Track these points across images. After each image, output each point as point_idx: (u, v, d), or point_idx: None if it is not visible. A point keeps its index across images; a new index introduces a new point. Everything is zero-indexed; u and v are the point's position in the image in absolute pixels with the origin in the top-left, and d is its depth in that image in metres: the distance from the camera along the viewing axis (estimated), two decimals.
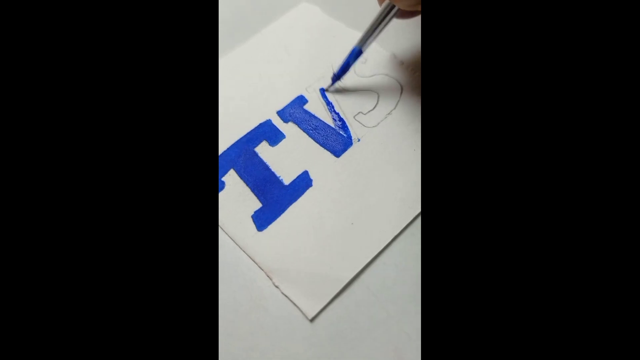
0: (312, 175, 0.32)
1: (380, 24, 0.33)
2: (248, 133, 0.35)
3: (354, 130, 0.34)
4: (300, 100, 0.36)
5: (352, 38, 0.39)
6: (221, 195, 0.32)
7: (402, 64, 0.37)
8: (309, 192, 0.32)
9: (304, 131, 0.34)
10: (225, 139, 0.34)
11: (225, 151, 0.34)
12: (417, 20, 0.37)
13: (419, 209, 0.30)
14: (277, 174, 0.33)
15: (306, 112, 0.35)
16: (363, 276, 0.29)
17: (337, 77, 0.36)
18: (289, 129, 0.35)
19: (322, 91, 0.36)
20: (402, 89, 0.36)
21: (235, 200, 0.32)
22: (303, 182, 0.32)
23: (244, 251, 0.30)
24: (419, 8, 0.31)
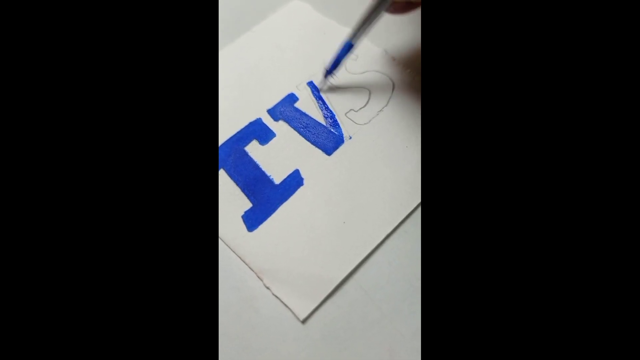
0: (303, 174, 0.32)
1: (371, 15, 0.32)
2: (238, 132, 0.34)
3: (346, 127, 0.34)
4: (291, 98, 0.36)
5: (344, 35, 0.38)
6: None
7: (394, 60, 0.37)
8: (300, 191, 0.31)
9: (294, 129, 0.34)
10: None
11: None
12: (409, 16, 0.37)
13: (411, 207, 0.30)
14: (268, 173, 0.32)
15: (297, 110, 0.35)
16: (356, 275, 0.28)
17: (329, 72, 0.35)
18: (280, 128, 0.34)
19: (313, 87, 0.36)
20: (393, 85, 0.36)
21: (225, 200, 0.31)
22: (294, 181, 0.32)
23: (234, 252, 0.29)
24: None
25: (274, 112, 0.35)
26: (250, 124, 0.35)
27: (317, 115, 0.35)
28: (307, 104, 0.35)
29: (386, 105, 0.35)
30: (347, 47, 0.34)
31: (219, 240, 0.30)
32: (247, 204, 0.31)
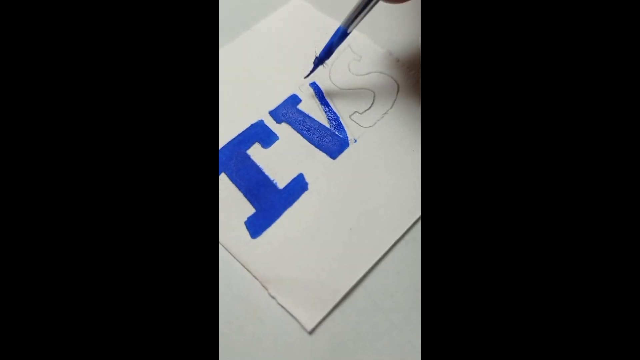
0: (307, 179, 0.31)
1: (369, 1, 0.31)
2: (239, 135, 0.33)
3: (350, 130, 0.33)
4: (294, 100, 0.34)
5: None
6: None
7: (398, 62, 0.36)
8: (304, 196, 0.30)
9: (298, 132, 0.33)
10: None
11: None
12: (411, 14, 0.36)
13: (419, 213, 0.29)
14: (271, 178, 0.31)
15: (300, 112, 0.34)
16: (364, 284, 0.27)
17: (320, 60, 0.33)
18: (283, 130, 0.33)
19: (316, 88, 0.35)
20: (398, 87, 0.35)
21: (227, 206, 0.30)
22: (298, 186, 0.31)
23: (237, 260, 0.28)
24: None
25: (276, 114, 0.34)
26: (252, 126, 0.33)
27: (320, 117, 0.34)
28: (310, 106, 0.34)
29: (391, 108, 0.34)
30: (341, 34, 0.32)
31: (221, 248, 0.29)
32: (250, 210, 0.30)
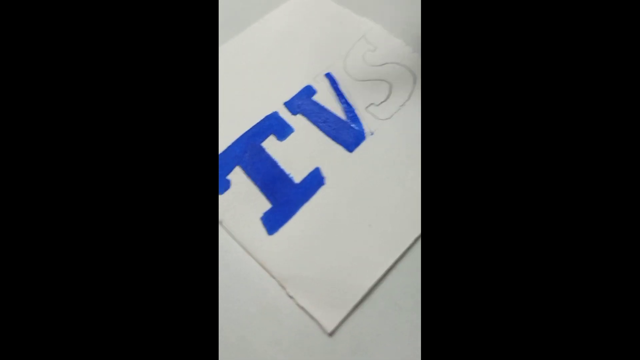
0: (324, 173, 0.30)
1: None
2: (253, 127, 0.32)
3: (367, 122, 0.32)
4: (309, 91, 0.33)
5: (361, 25, 0.36)
6: (227, 195, 0.29)
7: (414, 52, 0.35)
8: (321, 191, 0.29)
9: (313, 124, 0.32)
10: (229, 134, 0.32)
11: (229, 147, 0.31)
12: None
13: None
14: (287, 171, 0.30)
15: (315, 103, 0.33)
16: (384, 283, 0.26)
17: None
18: (298, 122, 0.32)
19: (331, 78, 0.34)
20: (415, 78, 0.34)
21: (242, 200, 0.29)
22: (315, 180, 0.30)
23: (253, 257, 0.27)
24: None
25: (291, 105, 0.33)
26: (267, 117, 0.32)
27: (336, 109, 0.32)
28: (325, 97, 0.33)
29: (408, 100, 0.33)
30: None
31: (237, 245, 0.28)
32: (266, 205, 0.29)
